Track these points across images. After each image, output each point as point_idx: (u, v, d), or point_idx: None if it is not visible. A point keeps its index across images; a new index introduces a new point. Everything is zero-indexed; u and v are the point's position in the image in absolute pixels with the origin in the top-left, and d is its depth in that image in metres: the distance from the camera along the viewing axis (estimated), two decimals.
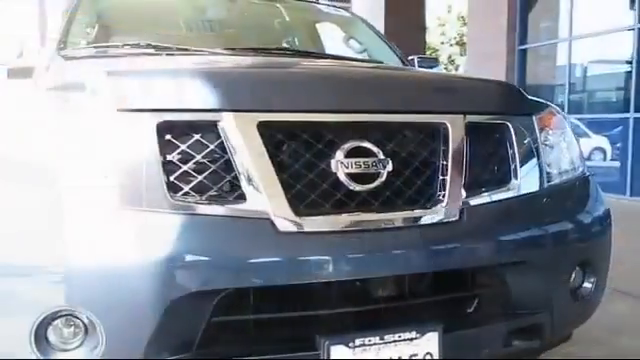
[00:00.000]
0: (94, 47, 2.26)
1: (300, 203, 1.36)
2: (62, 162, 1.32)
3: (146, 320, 1.25)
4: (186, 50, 2.22)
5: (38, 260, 1.25)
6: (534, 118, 1.73)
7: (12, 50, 2.46)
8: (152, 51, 2.18)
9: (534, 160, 1.67)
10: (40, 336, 1.24)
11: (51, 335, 1.25)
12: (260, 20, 2.80)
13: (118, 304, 1.24)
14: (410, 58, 2.90)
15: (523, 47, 9.17)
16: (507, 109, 1.68)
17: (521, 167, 1.63)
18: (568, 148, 1.83)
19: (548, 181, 1.69)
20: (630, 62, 7.55)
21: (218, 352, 1.31)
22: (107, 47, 2.26)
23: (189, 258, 1.27)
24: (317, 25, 2.99)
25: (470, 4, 10.21)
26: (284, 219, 1.33)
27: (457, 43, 24.72)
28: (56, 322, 1.24)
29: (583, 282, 1.71)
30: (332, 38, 2.97)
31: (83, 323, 1.25)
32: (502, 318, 1.55)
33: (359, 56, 2.68)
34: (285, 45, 2.74)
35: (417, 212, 1.46)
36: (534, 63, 9.19)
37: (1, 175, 1.32)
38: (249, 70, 1.76)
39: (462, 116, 1.57)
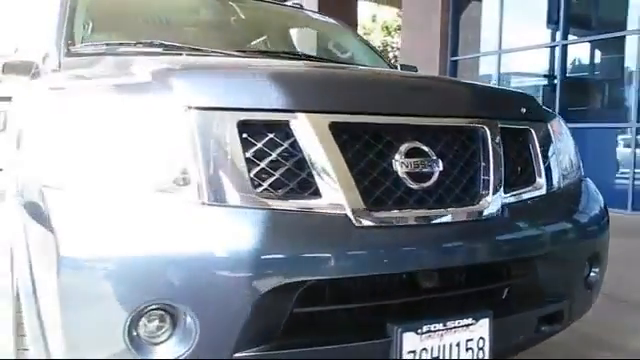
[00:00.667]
0: (106, 45, 2.23)
1: (369, 199, 1.44)
2: (151, 161, 1.34)
3: (237, 314, 1.28)
4: (200, 50, 2.24)
5: (140, 255, 1.25)
6: (549, 125, 1.91)
7: (7, 44, 2.37)
8: (165, 50, 2.19)
9: (552, 162, 1.85)
10: (135, 329, 1.24)
11: (143, 329, 1.26)
12: (260, 24, 2.84)
13: (212, 299, 1.27)
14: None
15: (455, 58, 9.63)
16: (529, 116, 1.85)
17: (543, 168, 1.80)
18: (573, 152, 2.02)
19: (563, 180, 1.87)
20: (554, 76, 8.15)
21: (297, 343, 1.36)
22: (119, 45, 2.23)
23: (276, 252, 1.33)
24: (313, 31, 3.08)
25: (405, 15, 10.60)
26: (359, 214, 1.40)
27: (382, 52, 25.41)
28: (150, 316, 1.25)
29: (591, 272, 1.90)
30: (331, 45, 3.06)
31: (175, 317, 1.27)
32: (535, 306, 1.70)
33: (361, 62, 2.78)
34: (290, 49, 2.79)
35: (466, 208, 1.58)
36: (464, 73, 9.67)
37: (94, 175, 1.32)
38: (319, 74, 1.83)
39: (496, 121, 1.71)
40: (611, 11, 8.28)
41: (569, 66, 8.30)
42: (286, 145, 1.41)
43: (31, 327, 1.42)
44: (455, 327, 1.48)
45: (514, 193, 1.69)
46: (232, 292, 1.28)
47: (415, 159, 1.52)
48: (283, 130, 1.42)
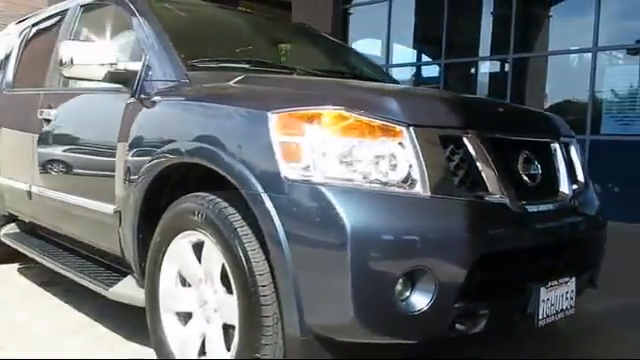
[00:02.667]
0: (217, 61, 2.53)
1: (513, 192, 2.01)
2: (389, 164, 1.78)
3: (456, 277, 1.77)
4: (293, 69, 2.64)
5: (400, 232, 1.72)
6: (574, 139, 2.63)
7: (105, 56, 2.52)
8: (270, 69, 2.56)
9: (581, 167, 2.56)
10: (401, 286, 1.69)
11: (406, 286, 1.71)
12: (325, 49, 3.29)
13: (445, 264, 1.76)
14: None
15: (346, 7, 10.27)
16: (569, 133, 2.55)
17: (581, 169, 2.51)
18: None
19: (587, 179, 2.59)
20: None
21: (483, 296, 1.88)
22: (226, 61, 2.55)
23: (474, 230, 1.84)
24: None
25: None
26: (511, 203, 1.97)
27: None
28: (411, 276, 1.71)
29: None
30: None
31: (425, 277, 1.73)
32: (587, 270, 2.38)
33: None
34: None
35: (556, 197, 2.22)
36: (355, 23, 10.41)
37: (353, 176, 1.75)
38: (481, 102, 2.43)
39: (561, 138, 2.39)
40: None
41: None
42: (464, 153, 1.93)
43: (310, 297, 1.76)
44: (561, 284, 2.11)
45: (573, 188, 2.37)
46: (460, 256, 1.77)
47: (529, 165, 2.13)
48: (461, 142, 1.94)
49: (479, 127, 1.99)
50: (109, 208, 2.55)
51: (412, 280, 1.73)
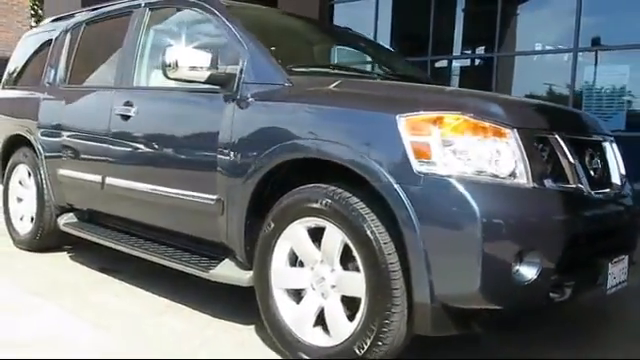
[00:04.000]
0: (314, 67, 2.83)
1: (587, 182, 2.40)
2: (496, 159, 2.13)
3: (556, 251, 2.15)
4: (371, 74, 2.97)
5: (510, 217, 2.07)
6: (614, 138, 3.05)
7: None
8: (357, 73, 2.88)
9: (621, 162, 2.98)
10: (516, 264, 2.05)
11: (519, 264, 2.07)
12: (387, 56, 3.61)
13: (549, 242, 2.13)
14: None
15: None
16: (611, 134, 2.96)
17: (622, 165, 2.93)
18: None
19: None
20: None
21: (568, 270, 2.26)
22: (327, 67, 2.85)
23: (573, 213, 2.25)
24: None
25: None
26: (587, 190, 2.36)
27: None
28: (524, 255, 2.07)
29: None
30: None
31: (533, 257, 2.09)
32: (632, 250, 2.79)
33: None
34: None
35: (611, 188, 2.62)
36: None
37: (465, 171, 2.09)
38: (559, 109, 2.84)
39: (608, 137, 2.79)
40: None
41: None
42: (550, 150, 2.30)
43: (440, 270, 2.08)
44: (620, 260, 2.51)
45: (620, 179, 2.78)
46: (554, 239, 2.15)
47: (592, 159, 2.53)
48: (548, 142, 2.31)
49: (560, 129, 2.37)
50: (210, 198, 2.82)
51: (523, 256, 2.08)
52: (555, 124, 2.38)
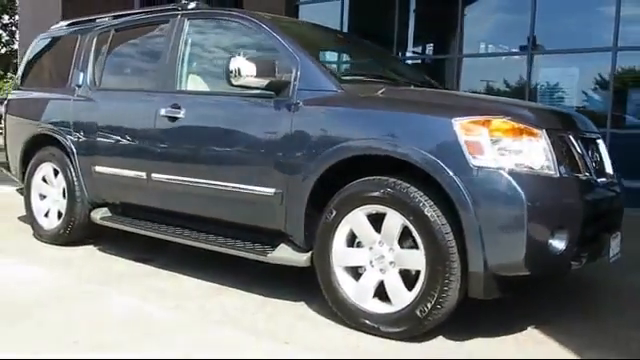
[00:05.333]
0: (357, 76, 3.26)
1: (593, 172, 2.96)
2: (530, 156, 2.64)
3: (577, 228, 2.68)
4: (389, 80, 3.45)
5: (544, 199, 2.60)
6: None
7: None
8: (388, 81, 3.34)
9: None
10: (550, 239, 2.58)
11: (551, 238, 2.59)
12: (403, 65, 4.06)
13: (572, 220, 2.67)
14: None
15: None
16: (598, 131, 3.55)
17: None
18: None
19: None
20: None
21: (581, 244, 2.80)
22: (361, 74, 3.29)
23: (587, 196, 2.81)
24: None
25: None
26: (594, 178, 2.93)
27: None
28: (557, 231, 2.59)
29: None
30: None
31: (562, 233, 2.61)
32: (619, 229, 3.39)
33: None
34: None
35: (606, 177, 3.20)
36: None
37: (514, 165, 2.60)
38: (566, 111, 3.33)
39: (599, 135, 3.38)
40: None
41: None
42: (566, 146, 2.85)
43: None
44: (617, 235, 3.10)
45: (612, 169, 3.36)
46: (575, 219, 2.69)
47: (593, 153, 3.10)
48: (565, 139, 2.85)
49: (573, 129, 2.93)
50: (269, 191, 3.21)
51: (555, 233, 2.62)
52: (567, 125, 2.94)
